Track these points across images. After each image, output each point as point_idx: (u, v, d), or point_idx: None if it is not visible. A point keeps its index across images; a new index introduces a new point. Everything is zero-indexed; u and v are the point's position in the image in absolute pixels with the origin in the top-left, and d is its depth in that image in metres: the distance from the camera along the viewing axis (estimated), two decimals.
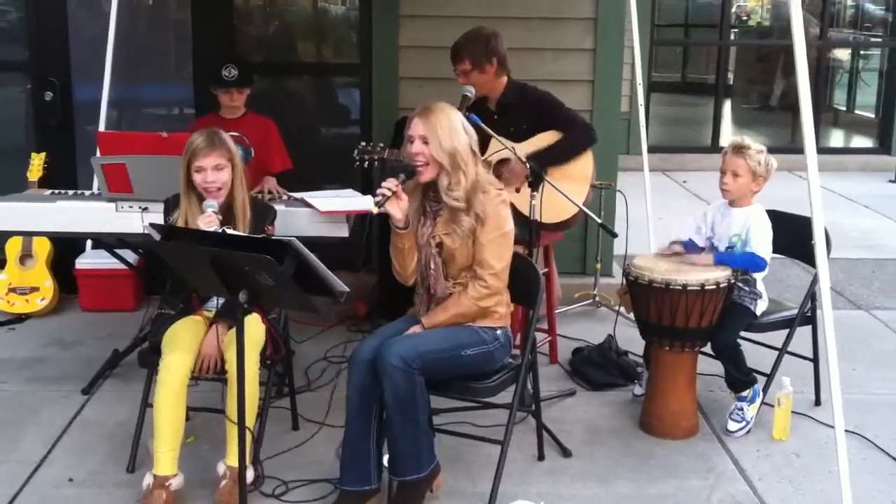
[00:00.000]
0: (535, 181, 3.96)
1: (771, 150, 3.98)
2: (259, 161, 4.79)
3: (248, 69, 4.90)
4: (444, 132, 3.22)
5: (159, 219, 3.64)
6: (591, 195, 4.45)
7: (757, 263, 3.87)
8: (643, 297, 3.88)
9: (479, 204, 3.25)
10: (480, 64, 4.38)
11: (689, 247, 4.07)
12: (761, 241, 3.87)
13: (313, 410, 4.03)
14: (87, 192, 4.49)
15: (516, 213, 4.17)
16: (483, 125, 4.08)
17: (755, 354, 4.16)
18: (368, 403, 3.24)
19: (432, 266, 3.34)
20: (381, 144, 4.48)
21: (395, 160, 4.31)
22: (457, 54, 4.41)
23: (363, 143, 4.50)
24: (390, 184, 3.21)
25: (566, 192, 4.08)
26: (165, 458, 3.27)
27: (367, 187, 5.21)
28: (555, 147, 4.32)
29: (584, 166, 4.40)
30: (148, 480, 3.27)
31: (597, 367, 4.49)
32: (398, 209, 3.24)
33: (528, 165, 3.97)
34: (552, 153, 4.30)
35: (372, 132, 5.47)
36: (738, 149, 3.93)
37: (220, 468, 3.36)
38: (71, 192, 4.43)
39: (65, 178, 5.22)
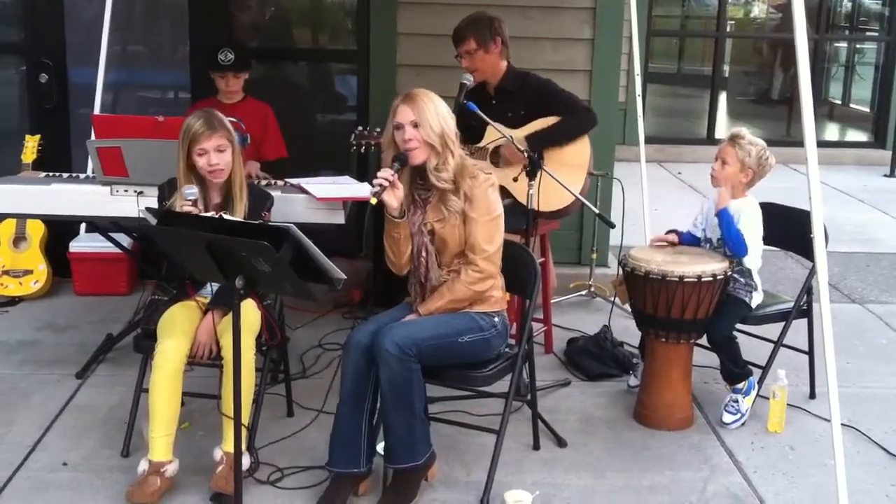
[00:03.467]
0: (533, 170, 3.95)
1: (767, 143, 3.97)
2: (254, 147, 4.77)
3: (245, 54, 4.87)
4: (433, 114, 3.23)
5: (154, 203, 3.61)
6: (588, 183, 4.43)
7: (738, 242, 3.84)
8: (639, 288, 3.88)
9: (468, 186, 3.27)
10: (485, 43, 4.34)
11: (688, 239, 4.08)
12: (747, 234, 3.85)
13: (308, 397, 4.02)
14: (82, 176, 4.45)
15: (514, 203, 4.17)
16: (480, 113, 4.06)
17: (751, 346, 4.16)
18: (362, 388, 3.23)
19: (424, 254, 3.34)
20: (378, 129, 4.46)
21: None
22: (460, 35, 4.37)
23: (360, 128, 4.49)
24: (386, 174, 3.21)
25: (563, 182, 4.06)
26: (161, 443, 3.26)
27: (364, 173, 5.20)
28: (554, 127, 4.29)
29: (580, 154, 4.37)
30: (143, 466, 3.26)
31: (592, 358, 4.48)
32: (394, 198, 3.24)
33: (525, 154, 3.95)
34: (551, 133, 4.27)
35: (369, 119, 5.44)
36: (732, 137, 3.94)
37: (217, 454, 3.34)
38: (65, 175, 4.39)
39: (59, 160, 5.20)
